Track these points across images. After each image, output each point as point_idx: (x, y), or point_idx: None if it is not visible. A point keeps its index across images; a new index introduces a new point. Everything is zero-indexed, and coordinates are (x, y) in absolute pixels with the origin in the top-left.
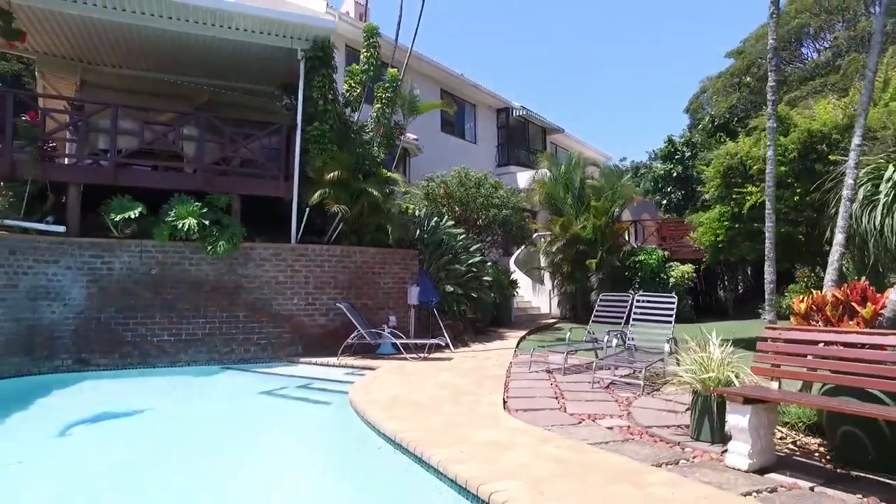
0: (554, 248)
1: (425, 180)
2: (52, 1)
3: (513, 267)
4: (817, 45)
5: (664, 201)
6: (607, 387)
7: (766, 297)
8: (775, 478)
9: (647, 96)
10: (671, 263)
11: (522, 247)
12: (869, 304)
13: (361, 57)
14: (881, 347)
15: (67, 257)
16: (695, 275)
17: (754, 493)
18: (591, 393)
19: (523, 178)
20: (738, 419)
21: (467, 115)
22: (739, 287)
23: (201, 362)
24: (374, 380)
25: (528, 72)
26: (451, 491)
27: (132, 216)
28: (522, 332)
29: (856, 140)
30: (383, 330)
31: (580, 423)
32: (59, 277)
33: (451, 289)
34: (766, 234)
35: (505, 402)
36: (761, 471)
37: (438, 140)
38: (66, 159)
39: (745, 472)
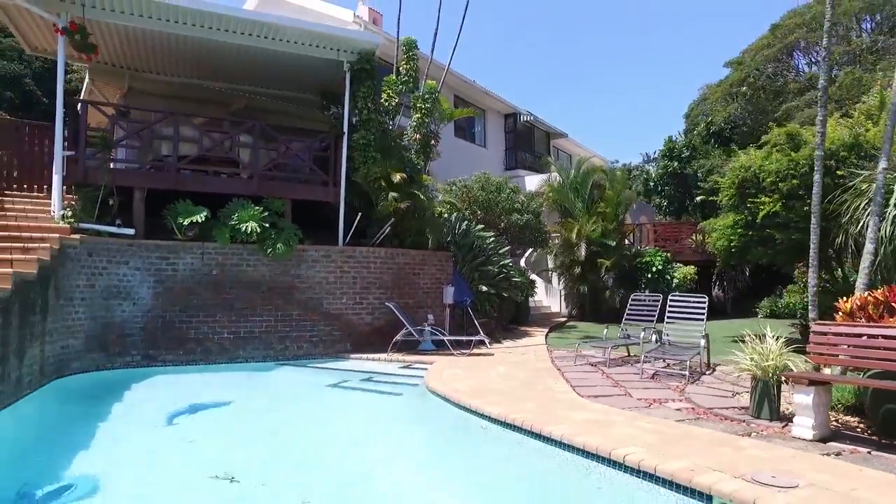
0: (565, 250)
1: (448, 184)
2: (120, 16)
3: (524, 267)
4: (812, 58)
5: (664, 203)
6: (653, 376)
7: (810, 298)
8: (836, 445)
9: (639, 100)
10: (673, 265)
11: (531, 248)
12: None
13: (401, 69)
14: None
15: (136, 258)
16: (696, 275)
17: (827, 455)
18: (642, 382)
19: (531, 181)
20: (803, 398)
21: (477, 120)
22: (738, 287)
23: (257, 359)
24: (440, 372)
25: (525, 73)
26: (577, 457)
27: (198, 220)
28: (542, 330)
29: (882, 164)
30: (424, 327)
31: (650, 406)
32: (128, 278)
33: (485, 289)
34: (811, 245)
35: (574, 390)
36: (822, 440)
37: (452, 144)
38: (122, 164)
39: (810, 441)
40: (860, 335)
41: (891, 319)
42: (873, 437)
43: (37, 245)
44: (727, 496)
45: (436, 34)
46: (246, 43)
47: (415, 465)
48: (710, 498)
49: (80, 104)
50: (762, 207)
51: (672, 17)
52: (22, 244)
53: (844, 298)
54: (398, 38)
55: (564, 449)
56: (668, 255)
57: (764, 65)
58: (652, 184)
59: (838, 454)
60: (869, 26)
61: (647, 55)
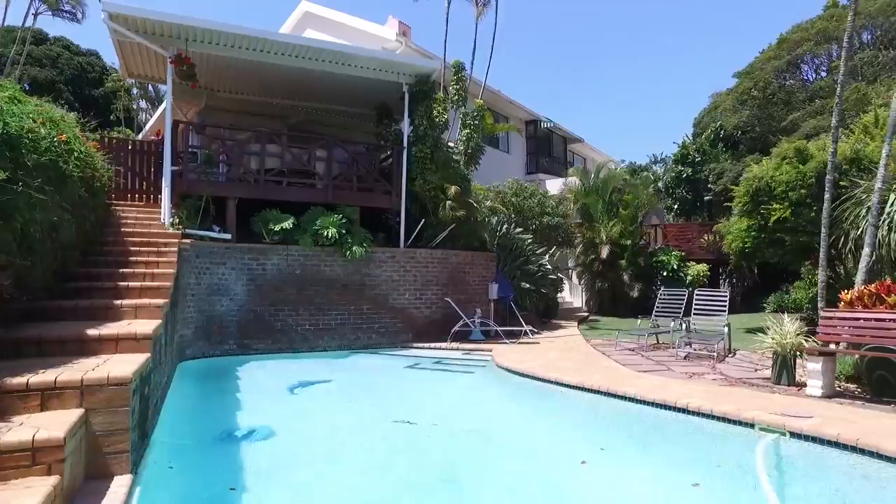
0: (587, 250)
1: (486, 189)
2: (216, 47)
3: (548, 266)
4: (818, 68)
5: (675, 205)
6: (685, 357)
7: (819, 291)
8: (839, 400)
9: (646, 102)
10: (687, 262)
11: (553, 247)
12: (892, 295)
13: (450, 88)
14: None
15: (232, 259)
16: (708, 272)
17: (833, 403)
18: (678, 362)
19: (552, 185)
20: (814, 366)
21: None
22: (746, 284)
23: (333, 348)
24: (505, 355)
25: (538, 77)
26: (648, 408)
27: (286, 226)
28: (570, 323)
29: (878, 184)
30: (475, 319)
31: (691, 377)
32: (226, 276)
33: (527, 285)
34: (822, 246)
35: (624, 367)
36: (828, 397)
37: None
38: (220, 177)
39: (819, 398)
40: (857, 318)
41: (881, 307)
42: (867, 397)
43: (165, 249)
44: (766, 423)
45: (473, 55)
46: (319, 68)
47: (519, 414)
48: (752, 425)
49: (184, 126)
50: (774, 213)
51: (682, 26)
52: (156, 248)
53: (846, 291)
54: (444, 58)
55: (638, 403)
56: (683, 254)
57: (773, 75)
58: (662, 185)
59: (841, 404)
60: (868, 38)
61: (655, 61)
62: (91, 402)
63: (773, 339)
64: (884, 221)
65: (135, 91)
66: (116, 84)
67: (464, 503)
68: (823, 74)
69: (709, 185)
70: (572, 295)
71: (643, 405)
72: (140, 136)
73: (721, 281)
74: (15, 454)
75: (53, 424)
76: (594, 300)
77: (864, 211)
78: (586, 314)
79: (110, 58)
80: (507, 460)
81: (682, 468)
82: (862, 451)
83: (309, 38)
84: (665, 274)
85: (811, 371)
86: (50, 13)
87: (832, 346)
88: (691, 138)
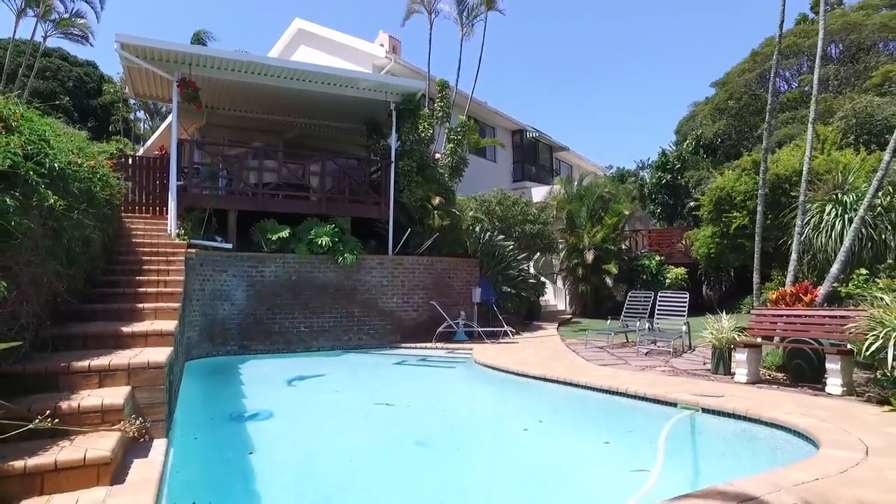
0: (571, 254)
1: (470, 198)
2: (219, 72)
3: (533, 270)
4: (788, 80)
5: (657, 210)
6: (647, 354)
7: (755, 291)
8: (761, 385)
9: (633, 108)
10: (666, 266)
11: (538, 253)
12: (808, 295)
13: (436, 105)
14: (811, 316)
15: (233, 267)
16: (686, 276)
17: (753, 387)
18: (639, 357)
19: (537, 193)
20: (740, 357)
21: (488, 136)
22: (724, 286)
23: (327, 348)
24: (483, 353)
25: (525, 85)
26: (598, 394)
27: (283, 236)
28: (552, 325)
29: (800, 211)
30: (459, 321)
31: (643, 370)
32: (228, 283)
33: (507, 289)
34: (755, 253)
35: (588, 362)
36: (753, 383)
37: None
38: (221, 191)
39: (744, 384)
40: (780, 315)
41: (799, 305)
42: (787, 382)
43: (174, 258)
44: (686, 402)
45: (458, 72)
46: (313, 88)
47: (486, 399)
48: (675, 404)
49: (189, 144)
50: (734, 221)
51: (665, 34)
52: (165, 258)
53: (773, 291)
54: (429, 74)
55: (587, 389)
56: (662, 258)
57: (746, 86)
58: (647, 190)
59: (759, 388)
60: (835, 52)
61: (643, 65)
62: (136, 381)
63: (711, 334)
64: (822, 229)
65: (132, 101)
66: (114, 95)
67: (433, 459)
68: (795, 85)
69: (689, 191)
70: (556, 298)
71: (592, 391)
72: (142, 150)
73: (702, 284)
74: (91, 414)
75: (112, 395)
76: (577, 303)
77: (806, 220)
78: (569, 316)
79: (106, 68)
80: (469, 431)
81: (602, 434)
82: (747, 419)
83: (302, 62)
84: (645, 277)
85: (738, 361)
86: (60, 35)
87: (759, 339)
88: (674, 145)
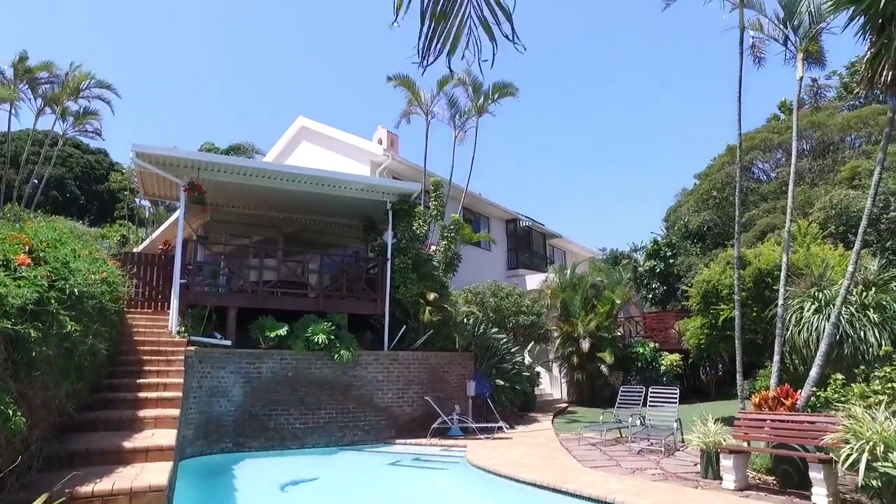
0: (565, 342)
1: (464, 291)
2: (225, 175)
3: (528, 359)
4: (766, 172)
5: (650, 296)
6: (639, 452)
7: (739, 394)
8: (749, 493)
9: (623, 193)
10: (661, 353)
11: (532, 342)
12: (790, 399)
13: (430, 204)
14: (793, 421)
15: (231, 363)
16: (681, 362)
17: (740, 495)
18: (630, 456)
19: (532, 280)
20: (727, 462)
21: (482, 226)
22: (720, 371)
23: (321, 444)
24: (477, 452)
25: (519, 172)
26: (582, 501)
27: (281, 333)
28: (547, 416)
29: (779, 312)
30: (453, 416)
31: (633, 473)
32: (225, 379)
33: (501, 382)
34: (737, 354)
35: (580, 463)
36: (741, 490)
37: (462, 249)
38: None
39: (733, 490)
40: (763, 420)
41: (781, 409)
42: (777, 488)
43: (174, 357)
44: None
45: (451, 172)
46: (313, 189)
47: None
48: None
49: (193, 244)
50: (722, 313)
51: (655, 125)
52: (166, 357)
53: (756, 395)
54: (425, 170)
55: (573, 497)
56: (657, 345)
57: (727, 177)
58: (640, 271)
59: (746, 496)
60: (806, 148)
61: (636, 150)
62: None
63: (698, 437)
64: (803, 325)
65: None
66: (121, 183)
67: None
68: (773, 175)
69: (680, 278)
70: (552, 386)
71: (577, 499)
72: (147, 242)
73: (699, 369)
74: None
75: None
76: (573, 391)
77: (790, 315)
78: (565, 405)
79: (116, 156)
80: None
81: None
82: None
83: (302, 166)
84: (640, 365)
85: (725, 467)
86: (76, 132)
87: (745, 445)
88: (664, 231)
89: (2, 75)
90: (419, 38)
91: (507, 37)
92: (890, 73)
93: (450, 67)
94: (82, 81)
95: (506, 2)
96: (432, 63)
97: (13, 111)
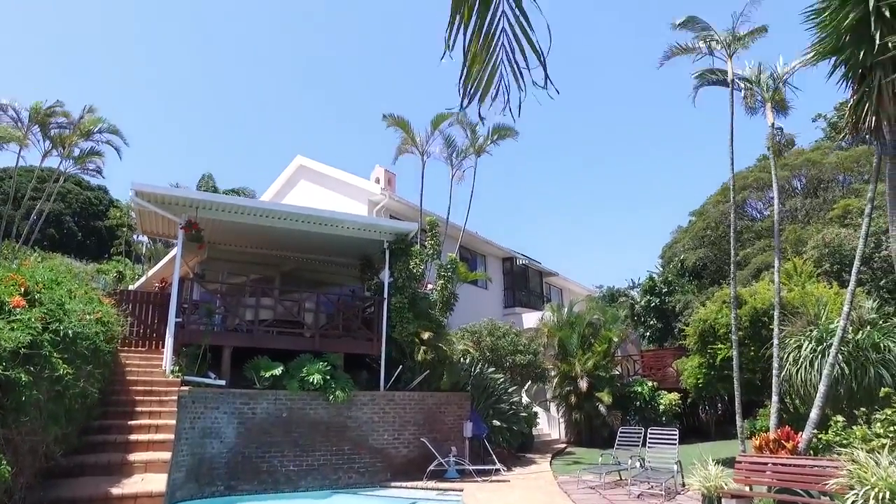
0: (563, 382)
1: (461, 330)
2: (223, 214)
3: (525, 399)
4: (760, 211)
5: (647, 333)
6: (638, 496)
7: (739, 436)
8: None
9: (619, 230)
10: (659, 392)
11: (529, 381)
12: (790, 441)
13: (427, 243)
14: (796, 465)
15: (225, 404)
16: (680, 401)
17: None
18: (630, 501)
19: (529, 319)
20: None
21: (479, 264)
22: (719, 410)
23: (315, 487)
24: (474, 496)
25: (513, 212)
26: None
27: (276, 373)
28: (545, 456)
29: (775, 353)
30: (450, 458)
31: None
32: (219, 420)
33: (498, 423)
34: (736, 394)
35: None
36: None
37: (459, 288)
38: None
39: None
40: (765, 463)
41: (782, 452)
42: None
43: (167, 398)
44: None
45: (448, 211)
46: (309, 229)
47: None
48: None
49: (190, 282)
50: (719, 353)
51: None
52: (158, 398)
53: (756, 437)
54: (421, 208)
55: None
56: (655, 384)
57: (721, 215)
58: (637, 308)
59: None
60: (799, 186)
61: (630, 185)
62: None
63: (699, 481)
64: (801, 365)
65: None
66: (120, 220)
67: None
68: (766, 213)
69: (677, 315)
70: (550, 426)
71: None
72: (143, 279)
73: (698, 409)
74: None
75: None
76: (571, 431)
77: (786, 354)
78: (564, 446)
79: (116, 192)
80: None
81: None
82: None
83: (299, 206)
84: (638, 404)
85: None
86: (78, 170)
87: (747, 489)
88: (660, 267)
89: (17, 115)
90: (460, 77)
91: (536, 83)
92: (873, 118)
93: (480, 116)
94: (94, 125)
95: (539, 45)
96: (467, 107)
97: (21, 153)
